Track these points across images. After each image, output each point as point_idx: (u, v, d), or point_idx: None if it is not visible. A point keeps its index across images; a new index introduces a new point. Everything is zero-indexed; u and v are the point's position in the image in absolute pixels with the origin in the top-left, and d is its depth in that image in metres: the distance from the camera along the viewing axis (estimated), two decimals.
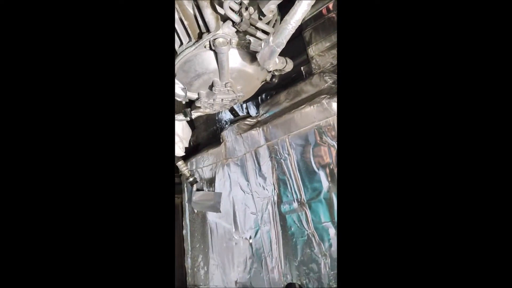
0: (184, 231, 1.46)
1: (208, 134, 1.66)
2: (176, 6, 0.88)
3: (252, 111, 1.47)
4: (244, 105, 1.50)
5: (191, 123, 1.62)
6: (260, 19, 0.88)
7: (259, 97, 1.43)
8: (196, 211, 1.41)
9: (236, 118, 1.37)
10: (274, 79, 1.16)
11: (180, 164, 1.32)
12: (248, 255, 1.18)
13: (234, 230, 1.25)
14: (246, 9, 0.80)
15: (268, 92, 1.40)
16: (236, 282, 1.19)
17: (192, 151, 1.55)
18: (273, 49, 0.72)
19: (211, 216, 1.35)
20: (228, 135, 1.33)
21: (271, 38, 0.71)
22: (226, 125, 1.53)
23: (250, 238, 1.18)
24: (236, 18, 0.80)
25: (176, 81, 0.99)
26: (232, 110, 1.51)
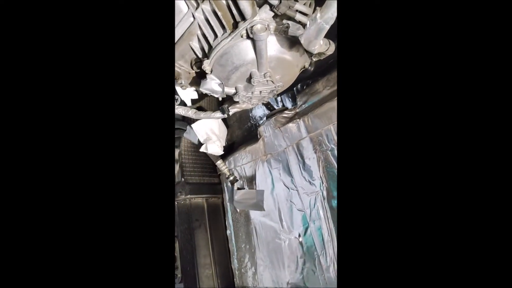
0: (228, 232, 1.43)
1: (243, 132, 1.62)
2: None
3: (288, 103, 1.40)
4: (279, 98, 1.43)
5: (224, 121, 1.59)
6: (296, 0, 0.82)
7: (294, 88, 1.35)
8: (238, 210, 1.38)
9: (273, 112, 1.31)
10: (310, 67, 1.08)
11: (219, 163, 1.30)
12: (298, 254, 1.11)
13: (280, 228, 1.19)
14: None
15: (303, 82, 1.32)
16: (287, 283, 1.13)
17: (228, 150, 1.52)
18: (321, 26, 0.65)
19: (254, 215, 1.31)
20: (265, 130, 1.27)
21: (318, 14, 0.64)
22: (262, 121, 1.48)
23: (299, 236, 1.11)
24: (274, 0, 0.74)
25: (212, 76, 0.95)
26: (267, 105, 1.45)
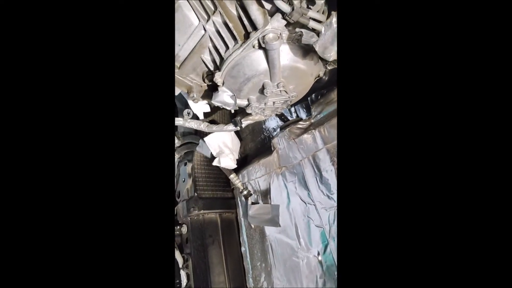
0: (242, 249, 1.37)
1: (256, 144, 1.59)
2: (219, 9, 0.83)
3: (302, 114, 1.36)
4: (293, 109, 1.39)
5: (237, 134, 1.57)
6: (309, 8, 0.79)
7: (309, 98, 1.32)
8: (253, 226, 1.32)
9: (287, 123, 1.27)
10: (324, 76, 1.05)
11: (232, 177, 1.26)
12: (318, 274, 1.04)
13: (298, 246, 1.12)
14: None
15: (318, 91, 1.28)
16: None
17: (241, 163, 1.48)
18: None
19: (270, 231, 1.25)
20: (279, 142, 1.23)
21: (334, 19, 0.60)
22: (276, 132, 1.44)
23: (318, 254, 1.04)
24: (286, 8, 0.71)
25: (224, 89, 0.93)
26: (280, 116, 1.42)
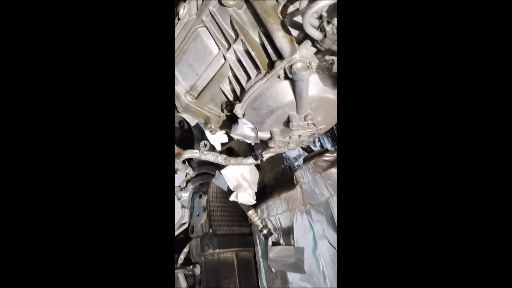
0: None
1: (275, 175, 1.48)
2: (241, 36, 0.77)
3: (327, 144, 1.25)
4: (316, 138, 1.29)
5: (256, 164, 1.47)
6: None
7: (334, 127, 1.21)
8: (274, 270, 1.18)
9: (311, 154, 1.16)
10: None
11: (251, 214, 1.14)
12: None
13: None
14: (329, 22, 0.63)
15: None
16: None
17: (259, 194, 1.37)
18: None
19: (293, 277, 1.10)
20: (303, 175, 1.12)
21: None
22: (298, 163, 1.32)
23: None
24: (318, 35, 0.63)
25: (244, 121, 0.84)
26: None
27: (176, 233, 1.36)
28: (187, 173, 1.38)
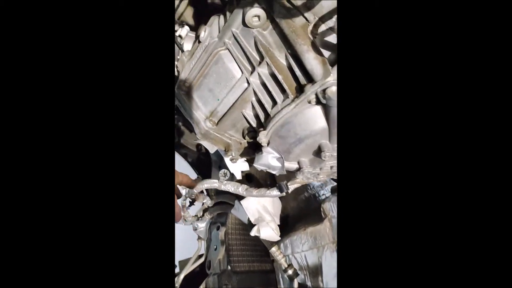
0: None
1: (298, 204, 1.36)
2: (266, 59, 0.70)
3: None
4: None
5: None
6: None
7: None
8: None
9: None
10: None
11: (274, 251, 1.03)
12: None
13: None
14: None
15: None
16: None
17: (281, 226, 1.25)
18: None
19: None
20: (332, 208, 1.00)
21: None
22: (324, 192, 1.21)
23: None
24: None
25: (269, 150, 0.76)
26: None
27: (193, 267, 1.25)
28: (203, 202, 1.29)
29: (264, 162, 0.78)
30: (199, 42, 0.84)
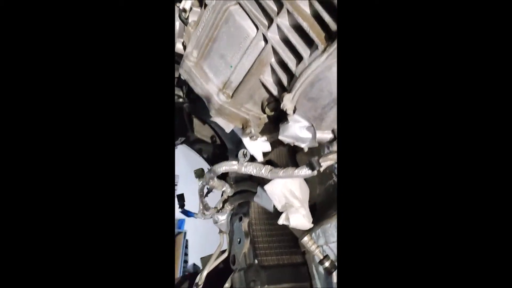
0: None
1: (327, 189, 1.22)
2: (286, 6, 0.57)
3: None
4: None
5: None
6: None
7: None
8: None
9: None
10: None
11: (306, 241, 0.90)
12: None
13: None
14: None
15: None
16: None
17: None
18: None
19: None
20: None
21: None
22: None
23: None
24: None
25: (296, 118, 0.63)
26: None
27: (216, 263, 1.15)
28: (223, 192, 1.18)
29: (290, 133, 0.66)
30: (205, 5, 0.72)
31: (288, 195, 0.91)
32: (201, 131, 1.74)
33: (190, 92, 1.34)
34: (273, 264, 1.02)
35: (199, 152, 1.86)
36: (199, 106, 1.33)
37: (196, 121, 1.69)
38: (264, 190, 0.97)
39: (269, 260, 1.02)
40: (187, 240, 6.17)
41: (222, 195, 1.21)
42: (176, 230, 6.27)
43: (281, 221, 0.89)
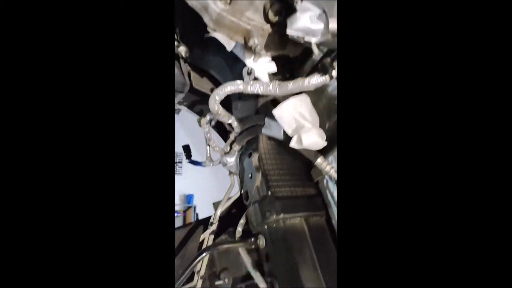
0: None
1: (335, 124, 1.18)
2: None
3: None
4: None
5: None
6: None
7: None
8: None
9: None
10: None
11: (320, 162, 0.87)
12: None
13: None
14: None
15: None
16: None
17: None
18: None
19: None
20: None
21: None
22: None
23: None
24: None
25: (306, 4, 0.56)
26: None
27: (228, 203, 1.13)
28: (229, 134, 1.14)
29: (299, 25, 0.59)
30: None
31: (298, 117, 0.87)
32: (201, 83, 1.67)
33: (183, 36, 1.25)
34: (286, 195, 1.00)
35: (200, 113, 1.80)
36: (196, 54, 1.25)
37: (194, 75, 1.61)
38: (273, 119, 0.92)
39: (283, 191, 1.00)
40: (197, 214, 6.31)
41: (228, 136, 1.17)
42: (186, 205, 6.41)
43: (294, 142, 0.85)
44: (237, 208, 1.26)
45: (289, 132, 0.88)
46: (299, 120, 0.86)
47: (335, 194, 1.00)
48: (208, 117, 1.00)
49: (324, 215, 1.03)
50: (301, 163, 1.10)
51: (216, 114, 0.91)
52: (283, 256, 0.90)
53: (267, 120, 0.96)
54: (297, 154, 1.10)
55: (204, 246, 1.10)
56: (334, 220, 1.01)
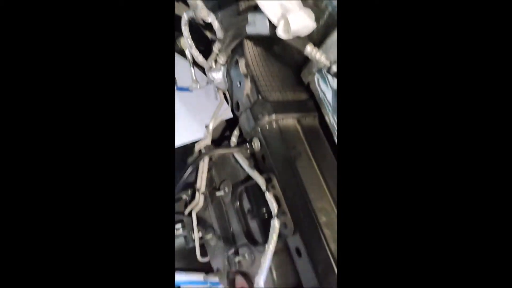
0: None
1: (324, 23, 1.11)
2: None
3: None
4: None
5: None
6: None
7: None
8: None
9: None
10: None
11: (309, 50, 0.82)
12: None
13: None
14: None
15: None
16: None
17: None
18: None
19: None
20: None
21: None
22: None
23: None
24: None
25: None
26: None
27: (219, 120, 1.11)
28: (213, 46, 1.07)
29: None
30: None
31: (284, 3, 0.80)
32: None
33: None
34: (277, 99, 0.98)
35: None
36: None
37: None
38: (256, 12, 0.85)
39: (273, 95, 0.97)
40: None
41: (212, 50, 1.10)
42: None
43: (280, 29, 0.80)
44: (230, 128, 1.25)
45: (275, 21, 0.82)
46: (284, 4, 0.79)
47: (328, 93, 0.98)
48: (185, 16, 0.93)
49: (317, 117, 1.03)
50: (291, 69, 1.06)
51: (194, 7, 0.84)
52: (279, 154, 0.91)
53: (250, 16, 0.89)
54: (286, 58, 1.06)
55: None
56: (328, 119, 1.00)
